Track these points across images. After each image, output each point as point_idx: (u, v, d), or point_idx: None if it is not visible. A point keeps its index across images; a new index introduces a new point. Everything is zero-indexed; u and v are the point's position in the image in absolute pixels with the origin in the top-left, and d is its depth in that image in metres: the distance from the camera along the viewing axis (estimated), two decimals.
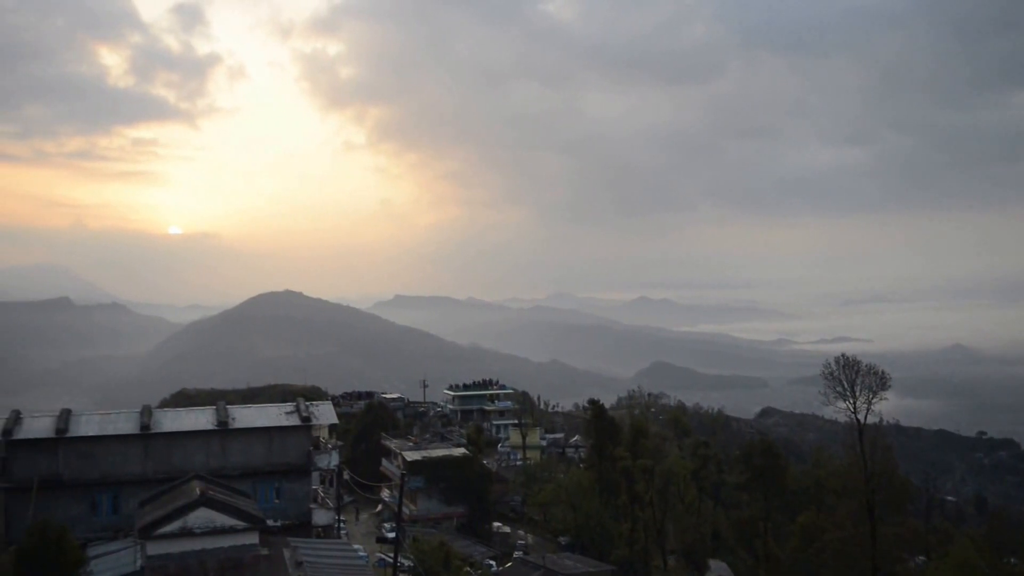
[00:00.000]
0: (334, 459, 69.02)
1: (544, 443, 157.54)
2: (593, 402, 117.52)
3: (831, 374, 73.77)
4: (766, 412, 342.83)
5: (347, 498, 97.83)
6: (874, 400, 71.43)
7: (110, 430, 59.16)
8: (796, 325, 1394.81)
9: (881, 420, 79.56)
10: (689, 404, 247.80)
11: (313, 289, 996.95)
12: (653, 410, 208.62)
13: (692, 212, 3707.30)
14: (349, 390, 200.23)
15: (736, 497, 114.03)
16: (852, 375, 72.42)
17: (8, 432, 56.74)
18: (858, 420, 72.20)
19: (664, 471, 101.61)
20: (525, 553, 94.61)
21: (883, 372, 72.95)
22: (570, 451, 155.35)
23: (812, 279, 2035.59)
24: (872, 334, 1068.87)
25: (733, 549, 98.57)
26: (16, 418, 58.54)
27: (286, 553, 47.70)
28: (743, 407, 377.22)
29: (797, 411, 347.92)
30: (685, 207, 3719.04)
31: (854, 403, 71.91)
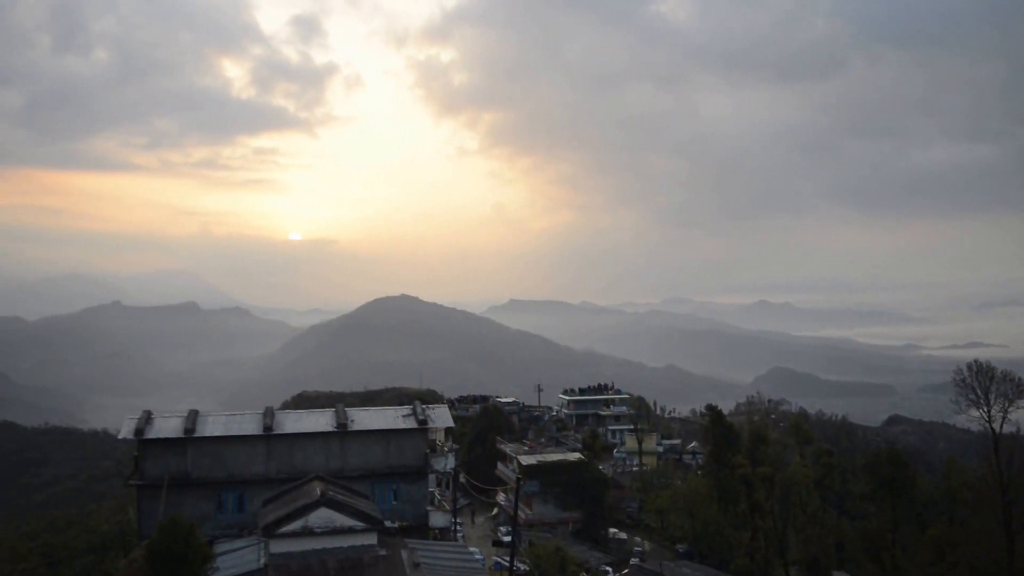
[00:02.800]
0: (450, 462, 69.36)
1: (660, 449, 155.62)
2: (711, 408, 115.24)
3: (963, 381, 70.56)
4: (893, 420, 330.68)
5: (463, 501, 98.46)
6: (1010, 409, 68.07)
7: (235, 431, 60.79)
8: (925, 330, 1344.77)
9: (1018, 430, 75.65)
10: (811, 411, 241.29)
11: (428, 294, 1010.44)
12: (773, 416, 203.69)
13: (812, 214, 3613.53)
14: (464, 394, 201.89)
15: (862, 507, 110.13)
16: (986, 382, 69.11)
17: (140, 432, 58.86)
18: (993, 430, 68.82)
19: (785, 479, 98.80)
20: (642, 560, 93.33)
21: (1020, 379, 69.42)
22: (687, 457, 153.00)
23: (942, 282, 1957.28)
24: (1008, 339, 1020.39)
25: (859, 561, 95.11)
26: (147, 418, 60.68)
27: (404, 554, 47.97)
28: (869, 415, 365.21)
29: (927, 419, 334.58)
30: (804, 209, 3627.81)
31: (988, 412, 68.61)
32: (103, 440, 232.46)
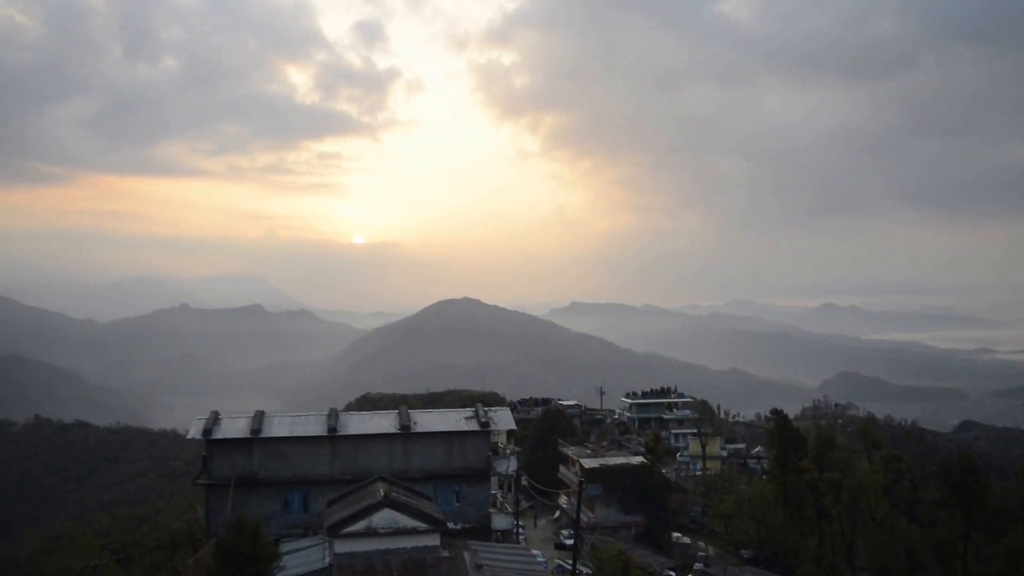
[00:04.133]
0: (512, 464, 69.33)
1: (725, 453, 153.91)
2: (776, 412, 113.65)
3: None
4: (965, 425, 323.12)
5: (525, 504, 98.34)
6: None
7: (300, 431, 61.50)
8: (999, 334, 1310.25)
9: None
10: (879, 415, 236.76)
11: (490, 296, 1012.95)
12: (840, 421, 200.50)
13: (879, 215, 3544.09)
14: (526, 396, 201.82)
15: (932, 514, 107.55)
16: None
17: (208, 432, 59.86)
18: None
19: (853, 485, 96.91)
20: (706, 565, 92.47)
21: None
22: (752, 462, 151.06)
23: (1016, 284, 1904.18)
24: None
25: (929, 569, 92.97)
26: (215, 419, 61.68)
27: (466, 556, 48.06)
28: (939, 420, 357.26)
29: (1000, 425, 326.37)
30: (872, 210, 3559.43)
31: None
32: (172, 440, 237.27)
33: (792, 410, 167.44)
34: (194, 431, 60.71)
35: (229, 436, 60.16)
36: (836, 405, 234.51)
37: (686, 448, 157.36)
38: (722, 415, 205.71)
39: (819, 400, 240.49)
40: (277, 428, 61.58)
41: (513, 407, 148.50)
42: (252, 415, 62.74)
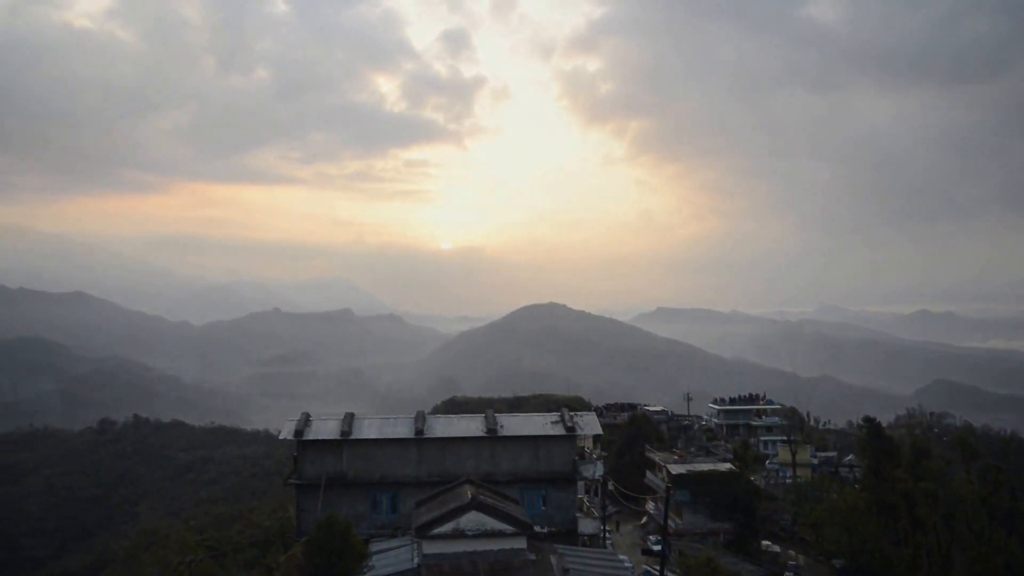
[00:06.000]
0: (599, 469, 69.13)
1: (815, 461, 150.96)
2: (869, 420, 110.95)
3: None
4: None
5: (611, 509, 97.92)
6: None
7: (388, 434, 62.40)
8: None
9: None
10: (976, 425, 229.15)
11: (576, 301, 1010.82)
12: (936, 430, 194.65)
13: (977, 219, 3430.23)
14: (612, 402, 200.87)
15: None
16: None
17: (299, 433, 61.17)
18: None
19: (949, 495, 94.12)
20: (796, 574, 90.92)
21: None
22: (843, 470, 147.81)
23: None
24: None
25: None
26: (306, 420, 62.98)
27: (553, 559, 48.10)
28: None
29: None
30: (969, 214, 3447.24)
31: None
32: (264, 440, 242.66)
33: (885, 418, 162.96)
34: (286, 432, 62.08)
35: (320, 437, 61.38)
36: (931, 414, 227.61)
37: (775, 455, 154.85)
38: (812, 422, 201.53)
39: (913, 408, 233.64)
40: (366, 430, 62.60)
41: (599, 412, 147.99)
42: (342, 417, 63.89)
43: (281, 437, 64.45)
